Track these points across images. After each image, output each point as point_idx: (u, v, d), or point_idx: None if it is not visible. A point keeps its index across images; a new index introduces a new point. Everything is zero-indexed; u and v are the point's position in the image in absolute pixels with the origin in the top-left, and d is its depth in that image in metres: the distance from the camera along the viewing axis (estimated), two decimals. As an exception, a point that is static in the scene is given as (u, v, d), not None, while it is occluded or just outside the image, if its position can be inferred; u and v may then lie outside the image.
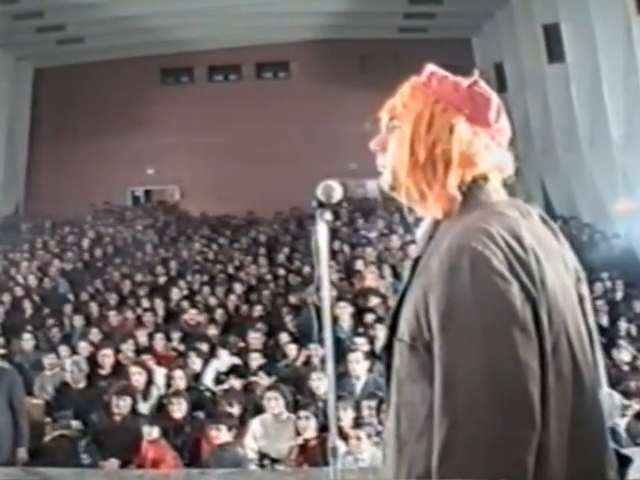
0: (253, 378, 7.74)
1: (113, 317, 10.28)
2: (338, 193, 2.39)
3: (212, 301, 11.02)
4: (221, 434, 6.23)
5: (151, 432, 6.33)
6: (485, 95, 1.65)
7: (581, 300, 1.56)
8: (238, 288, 11.47)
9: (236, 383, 7.71)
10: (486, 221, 1.48)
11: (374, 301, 9.63)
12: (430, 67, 1.69)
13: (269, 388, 6.87)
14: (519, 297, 1.39)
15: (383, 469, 1.62)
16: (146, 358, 8.22)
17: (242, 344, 8.91)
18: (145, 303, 10.90)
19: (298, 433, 6.26)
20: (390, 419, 1.60)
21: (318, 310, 7.66)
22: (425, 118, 1.61)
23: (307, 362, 8.04)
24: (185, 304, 10.69)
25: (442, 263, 1.45)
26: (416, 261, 1.61)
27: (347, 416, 6.20)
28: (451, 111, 1.61)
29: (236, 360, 8.35)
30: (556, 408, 1.40)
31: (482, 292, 1.40)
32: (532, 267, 1.43)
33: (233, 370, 8.12)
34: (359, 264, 11.46)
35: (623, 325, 9.15)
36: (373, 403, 6.43)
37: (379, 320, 8.76)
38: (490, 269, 1.40)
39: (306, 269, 11.80)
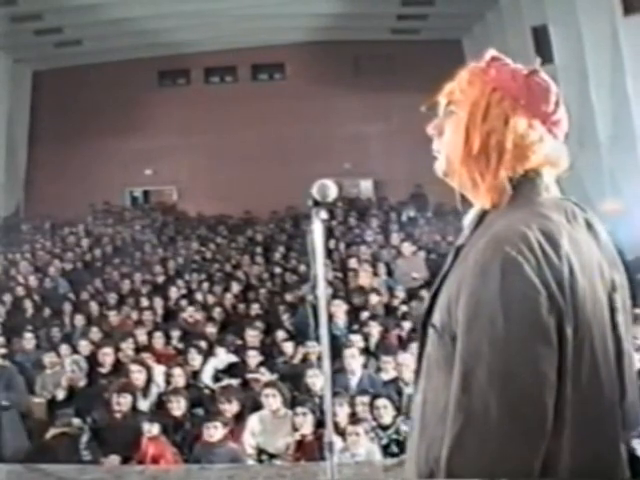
0: (252, 375, 7.79)
1: (113, 316, 10.35)
2: (333, 192, 2.47)
3: (210, 300, 11.05)
4: (218, 431, 6.26)
5: (151, 429, 6.36)
6: (543, 85, 1.61)
7: (612, 310, 1.51)
8: (235, 287, 11.53)
9: (234, 380, 7.79)
10: (527, 224, 1.44)
11: (369, 299, 9.75)
12: (491, 52, 1.65)
13: (267, 385, 6.91)
14: (546, 307, 1.38)
15: (410, 441, 1.67)
16: (146, 356, 8.26)
17: (239, 342, 8.97)
18: (144, 302, 10.93)
19: (295, 429, 6.31)
20: (418, 398, 1.63)
21: (314, 308, 7.77)
22: (481, 107, 1.58)
23: (304, 359, 8.09)
24: (184, 303, 10.74)
25: (476, 263, 1.44)
26: (459, 249, 1.60)
27: (343, 412, 6.28)
28: (507, 101, 1.57)
29: (234, 358, 8.42)
30: (571, 417, 1.41)
31: (509, 299, 1.38)
32: (564, 277, 1.41)
33: (231, 368, 8.22)
34: (353, 262, 11.57)
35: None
36: (366, 399, 6.52)
37: (373, 317, 8.87)
38: (521, 276, 1.39)
39: (302, 267, 11.85)
